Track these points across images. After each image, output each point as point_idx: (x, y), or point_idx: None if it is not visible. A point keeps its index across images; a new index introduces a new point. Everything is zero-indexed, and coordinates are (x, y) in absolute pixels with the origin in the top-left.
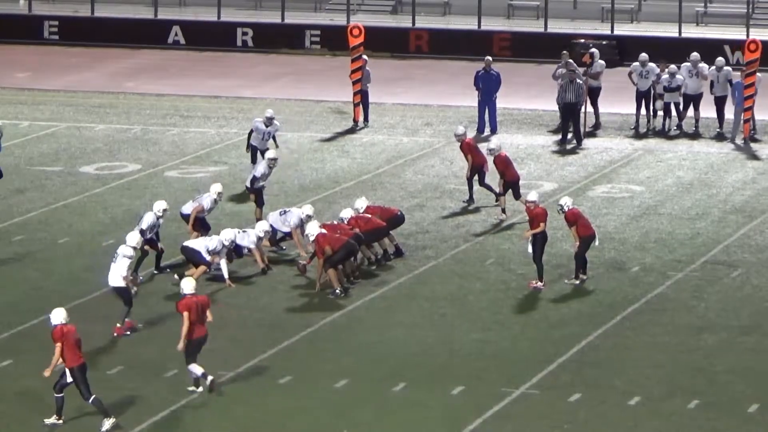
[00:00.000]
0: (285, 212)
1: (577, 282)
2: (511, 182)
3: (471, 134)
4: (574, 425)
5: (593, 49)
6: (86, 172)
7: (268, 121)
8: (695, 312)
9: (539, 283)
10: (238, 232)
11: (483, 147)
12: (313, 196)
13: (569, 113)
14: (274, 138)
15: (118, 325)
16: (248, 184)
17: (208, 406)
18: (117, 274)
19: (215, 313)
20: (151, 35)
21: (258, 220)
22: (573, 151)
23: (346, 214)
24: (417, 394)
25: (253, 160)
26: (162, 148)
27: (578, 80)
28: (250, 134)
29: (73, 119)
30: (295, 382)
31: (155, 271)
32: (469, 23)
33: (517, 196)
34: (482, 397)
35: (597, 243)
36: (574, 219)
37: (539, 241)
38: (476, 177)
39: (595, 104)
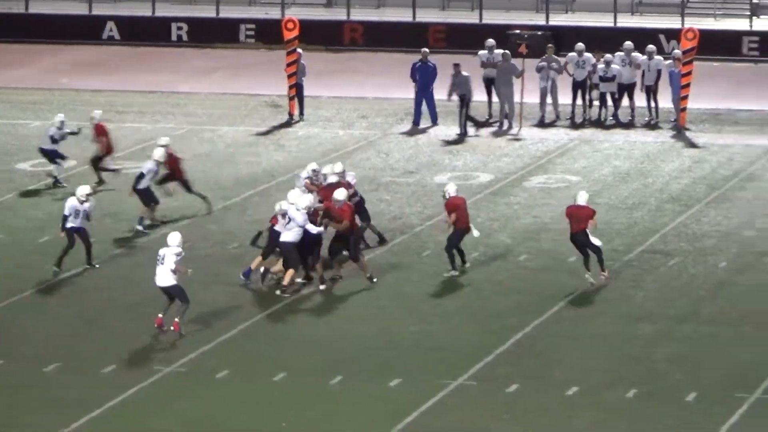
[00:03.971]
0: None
1: (456, 273)
2: (462, 229)
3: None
4: (512, 416)
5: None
6: (22, 168)
7: (61, 125)
8: (633, 301)
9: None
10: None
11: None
12: (249, 190)
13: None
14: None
15: (177, 320)
16: (134, 185)
17: (148, 401)
18: (166, 274)
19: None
20: (85, 31)
21: (142, 217)
22: (509, 142)
23: (328, 170)
24: (355, 387)
25: (52, 161)
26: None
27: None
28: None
29: (8, 116)
30: (232, 375)
31: (87, 266)
32: (403, 15)
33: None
34: (420, 389)
35: (477, 234)
36: (453, 208)
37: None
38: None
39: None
